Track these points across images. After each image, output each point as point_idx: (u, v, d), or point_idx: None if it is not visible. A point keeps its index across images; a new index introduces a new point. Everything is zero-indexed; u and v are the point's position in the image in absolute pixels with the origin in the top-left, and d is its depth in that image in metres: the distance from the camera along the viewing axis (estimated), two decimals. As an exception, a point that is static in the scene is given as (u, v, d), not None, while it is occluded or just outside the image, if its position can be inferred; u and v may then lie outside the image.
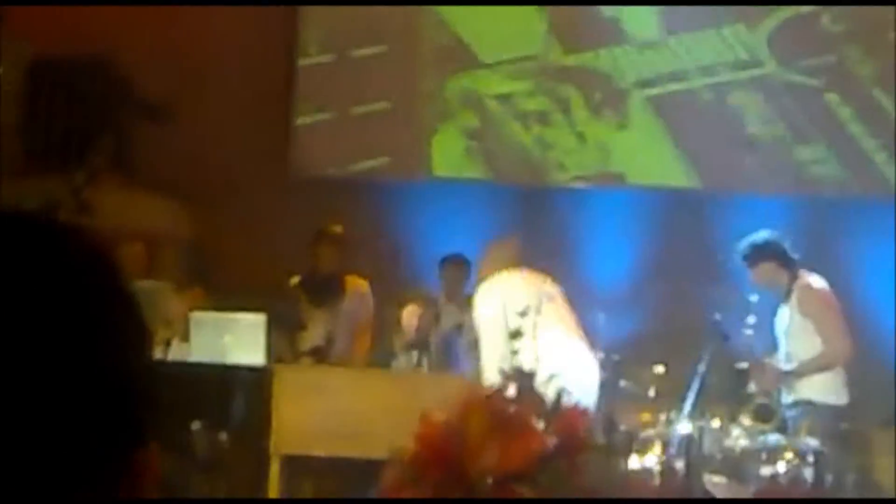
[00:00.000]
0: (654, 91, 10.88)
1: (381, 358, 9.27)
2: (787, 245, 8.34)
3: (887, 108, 10.62)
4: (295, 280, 9.41)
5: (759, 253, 8.30)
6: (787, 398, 8.20)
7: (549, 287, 7.72)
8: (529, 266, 7.87)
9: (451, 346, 9.23)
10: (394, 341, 9.37)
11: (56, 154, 10.09)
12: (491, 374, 7.53)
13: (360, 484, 8.36)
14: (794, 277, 8.29)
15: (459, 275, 9.89)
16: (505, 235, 8.65)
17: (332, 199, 10.66)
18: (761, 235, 8.38)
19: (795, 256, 8.32)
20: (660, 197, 10.77)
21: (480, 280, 7.98)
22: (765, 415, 8.16)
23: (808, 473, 7.70)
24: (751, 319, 8.14)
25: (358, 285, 9.48)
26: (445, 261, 9.91)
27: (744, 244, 8.37)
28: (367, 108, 11.23)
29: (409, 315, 9.06)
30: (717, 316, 8.21)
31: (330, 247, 9.36)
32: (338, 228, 9.47)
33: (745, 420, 8.23)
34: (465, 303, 9.82)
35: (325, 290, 9.35)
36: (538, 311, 7.23)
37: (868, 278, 10.01)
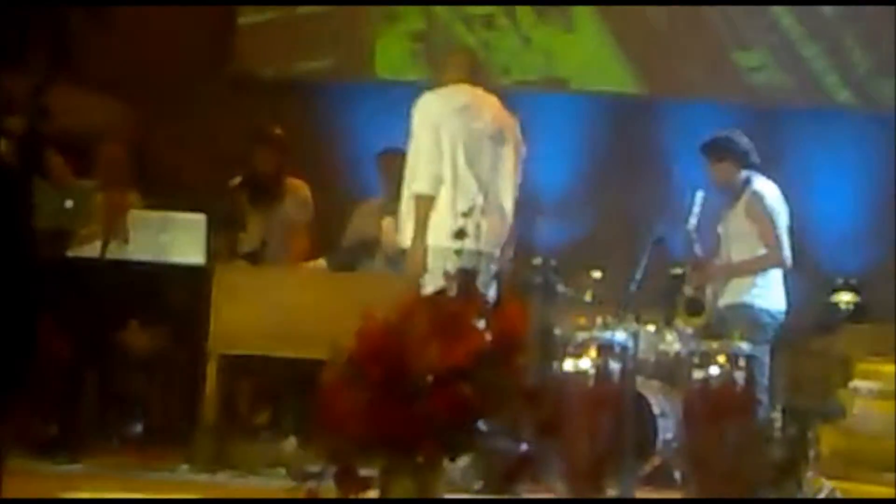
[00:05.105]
0: (600, -6, 10.87)
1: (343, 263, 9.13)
2: (749, 148, 8.34)
3: (828, 16, 10.68)
4: (235, 181, 9.37)
5: (724, 149, 8.26)
6: (723, 300, 8.26)
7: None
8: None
9: None
10: (368, 251, 9.16)
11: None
12: (421, 185, 7.61)
13: (299, 383, 8.40)
14: (747, 181, 8.29)
15: (397, 168, 9.70)
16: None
17: (275, 100, 10.61)
18: (728, 132, 8.36)
19: (755, 161, 8.32)
20: (603, 102, 10.79)
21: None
22: (694, 308, 8.23)
23: (740, 377, 7.80)
24: (692, 219, 8.13)
25: (297, 187, 9.45)
26: (383, 154, 9.38)
27: (710, 138, 8.33)
28: (312, 8, 11.15)
29: (389, 227, 8.90)
30: (656, 221, 8.22)
31: (268, 148, 9.33)
32: (276, 130, 9.42)
33: (678, 320, 8.31)
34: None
35: (264, 191, 9.32)
36: (483, 212, 7.25)
37: (808, 188, 10.07)
